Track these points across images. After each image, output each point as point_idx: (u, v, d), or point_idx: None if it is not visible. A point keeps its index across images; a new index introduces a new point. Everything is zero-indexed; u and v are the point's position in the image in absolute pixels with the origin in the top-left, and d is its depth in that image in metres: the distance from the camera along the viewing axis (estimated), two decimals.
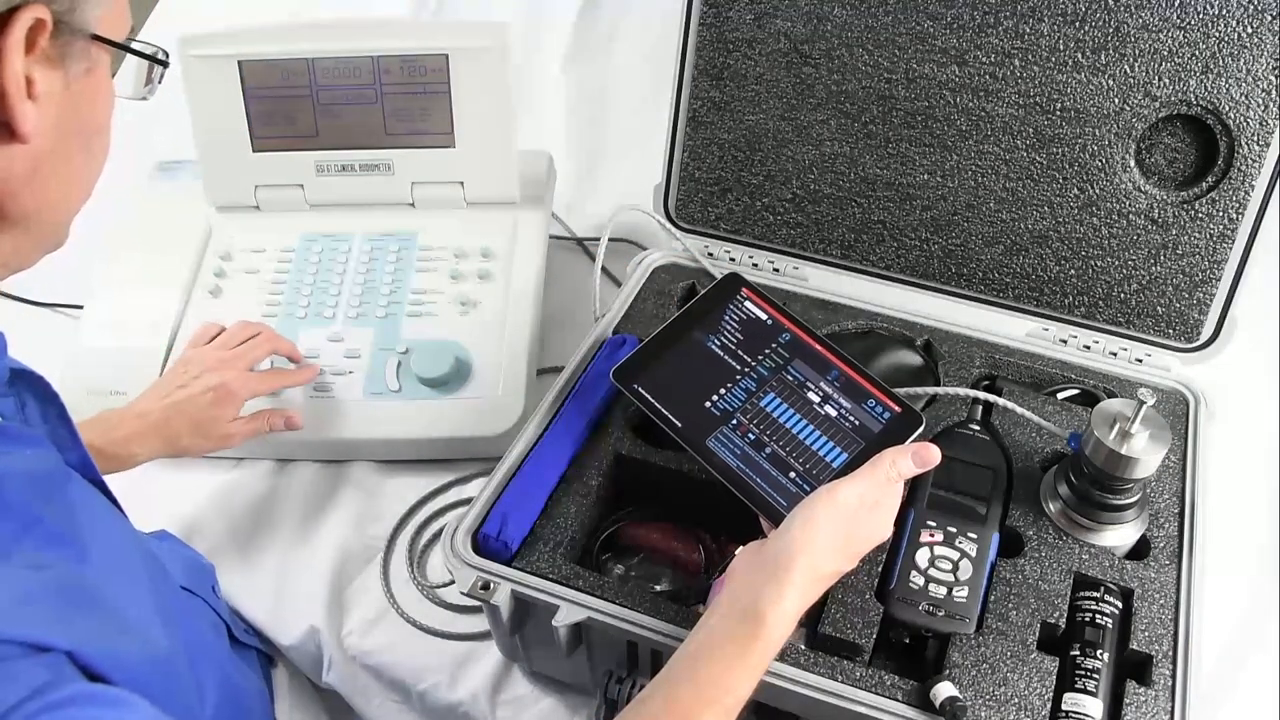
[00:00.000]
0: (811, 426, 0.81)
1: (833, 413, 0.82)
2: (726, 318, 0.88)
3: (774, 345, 0.86)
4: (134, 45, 0.61)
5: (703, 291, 0.92)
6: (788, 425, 0.81)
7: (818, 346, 0.85)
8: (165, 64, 0.65)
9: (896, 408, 0.81)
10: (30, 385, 0.64)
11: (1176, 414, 0.93)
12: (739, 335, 0.87)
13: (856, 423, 0.81)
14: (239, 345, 1.00)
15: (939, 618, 0.75)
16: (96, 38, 0.55)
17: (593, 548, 0.86)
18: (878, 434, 0.80)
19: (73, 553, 0.57)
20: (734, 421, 0.82)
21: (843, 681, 0.72)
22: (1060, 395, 0.96)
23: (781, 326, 0.87)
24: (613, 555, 0.88)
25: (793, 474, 0.79)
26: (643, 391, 0.85)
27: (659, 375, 0.86)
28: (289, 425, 1.00)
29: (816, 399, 0.83)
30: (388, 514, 1.03)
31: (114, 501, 0.69)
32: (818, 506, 0.70)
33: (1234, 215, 0.91)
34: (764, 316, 0.88)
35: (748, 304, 0.89)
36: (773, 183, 1.04)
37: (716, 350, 0.87)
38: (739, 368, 0.85)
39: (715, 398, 0.84)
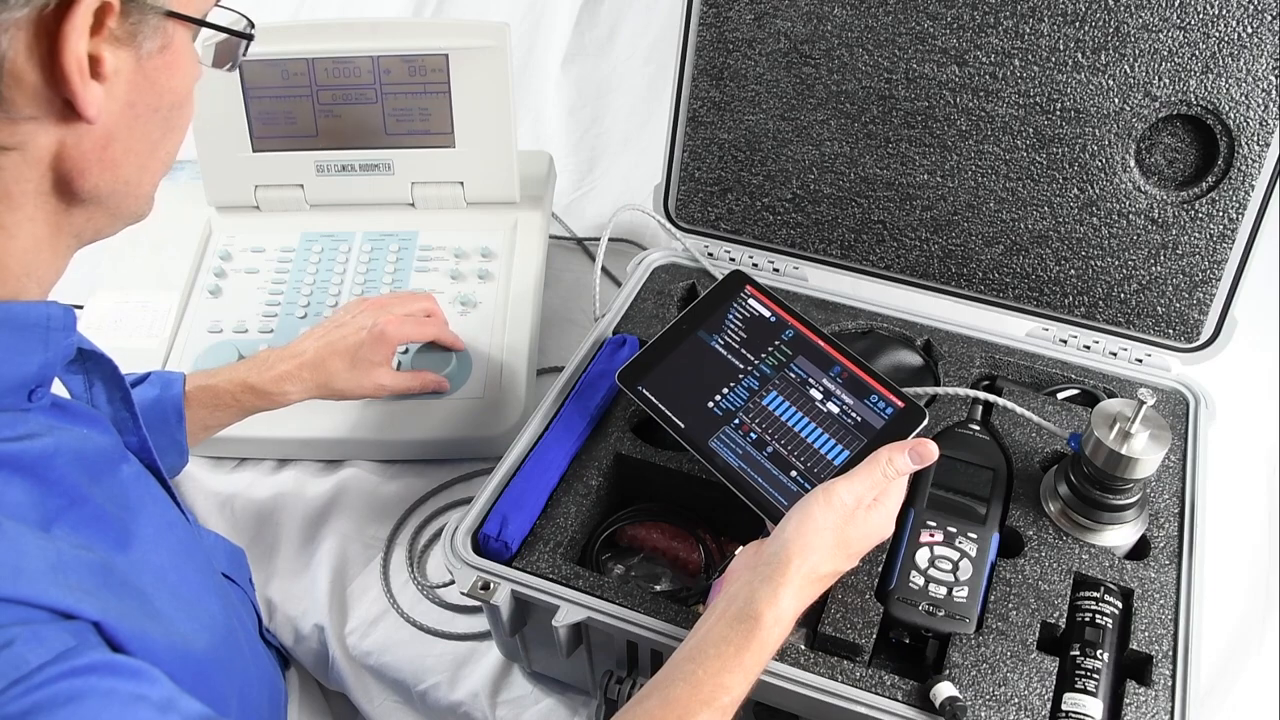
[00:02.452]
0: (813, 424, 0.81)
1: (835, 409, 0.81)
2: (730, 316, 0.88)
3: (777, 342, 0.86)
4: (212, 20, 0.59)
5: (707, 290, 0.91)
6: (789, 423, 0.81)
7: (821, 343, 0.85)
8: (249, 37, 0.63)
9: (899, 403, 0.81)
10: (99, 366, 0.65)
11: (1176, 414, 0.93)
12: (742, 333, 0.87)
13: (858, 419, 0.81)
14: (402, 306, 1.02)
15: (939, 618, 0.75)
16: (171, 14, 0.54)
17: (593, 548, 0.86)
18: (880, 430, 0.80)
19: (113, 538, 0.58)
20: (736, 421, 0.82)
21: (843, 681, 0.72)
22: (1060, 395, 0.96)
23: (785, 323, 0.87)
24: (613, 555, 0.88)
25: (794, 473, 0.79)
26: (646, 393, 0.85)
27: (663, 376, 0.86)
28: (438, 387, 1.04)
29: (819, 396, 0.82)
30: (388, 514, 1.03)
31: (167, 487, 0.70)
32: (814, 506, 0.70)
33: (1234, 215, 0.91)
34: (767, 314, 0.88)
35: (751, 301, 0.89)
36: (773, 183, 1.04)
37: (720, 349, 0.86)
38: (742, 366, 0.85)
39: (718, 397, 0.84)
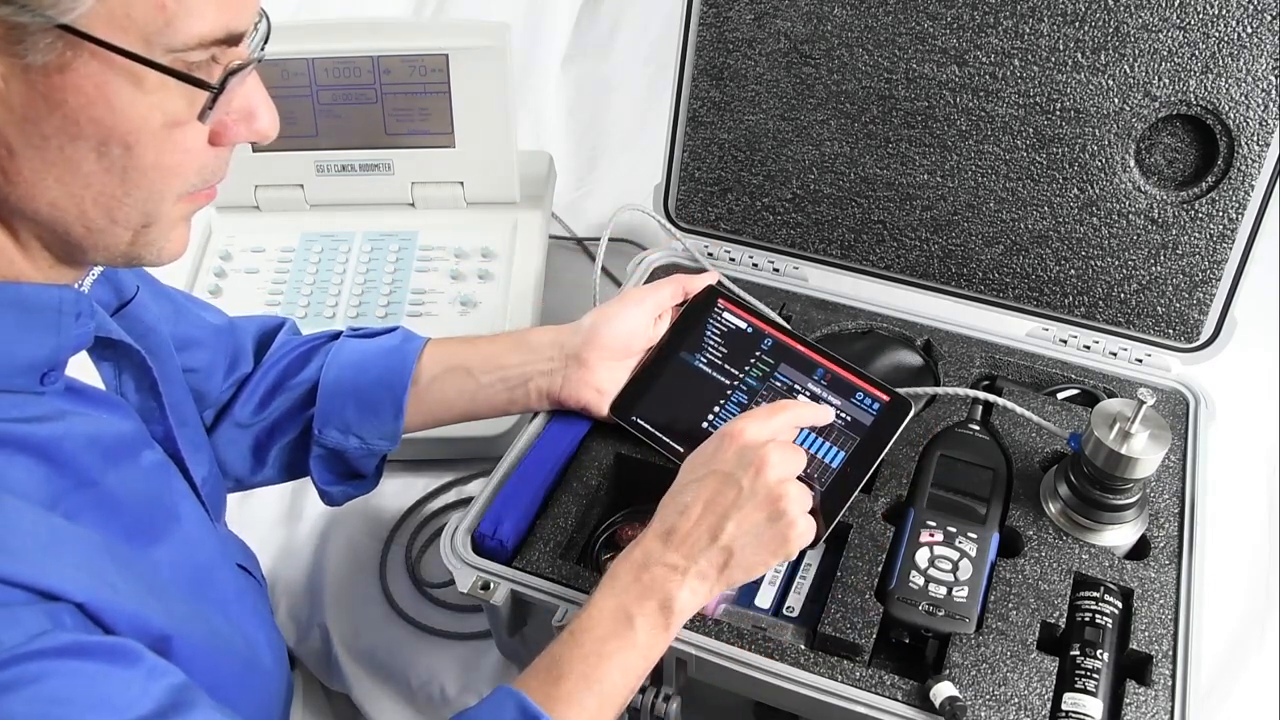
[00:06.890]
0: (805, 430, 0.81)
1: None
2: (708, 333, 0.89)
3: (758, 353, 0.87)
4: (135, 52, 0.48)
5: (683, 310, 0.92)
6: None
7: (801, 348, 0.86)
8: (206, 87, 0.52)
9: (885, 397, 0.82)
10: (128, 355, 0.65)
11: (1176, 414, 0.93)
12: (723, 349, 0.88)
13: (848, 418, 0.81)
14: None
15: (939, 618, 0.75)
16: (66, 28, 0.46)
17: (592, 547, 0.86)
18: (871, 426, 0.81)
19: (123, 521, 0.59)
20: None
21: (843, 681, 0.72)
22: (1060, 395, 0.96)
23: (762, 333, 0.88)
24: (612, 555, 0.88)
25: None
26: (642, 423, 0.86)
27: (653, 404, 0.87)
28: None
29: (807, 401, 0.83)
30: (387, 514, 1.03)
31: (189, 478, 0.70)
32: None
33: (1234, 215, 0.91)
34: (744, 325, 0.89)
35: (726, 315, 0.90)
36: (773, 183, 1.04)
37: (704, 368, 0.88)
38: (728, 382, 0.86)
39: (711, 416, 0.85)
